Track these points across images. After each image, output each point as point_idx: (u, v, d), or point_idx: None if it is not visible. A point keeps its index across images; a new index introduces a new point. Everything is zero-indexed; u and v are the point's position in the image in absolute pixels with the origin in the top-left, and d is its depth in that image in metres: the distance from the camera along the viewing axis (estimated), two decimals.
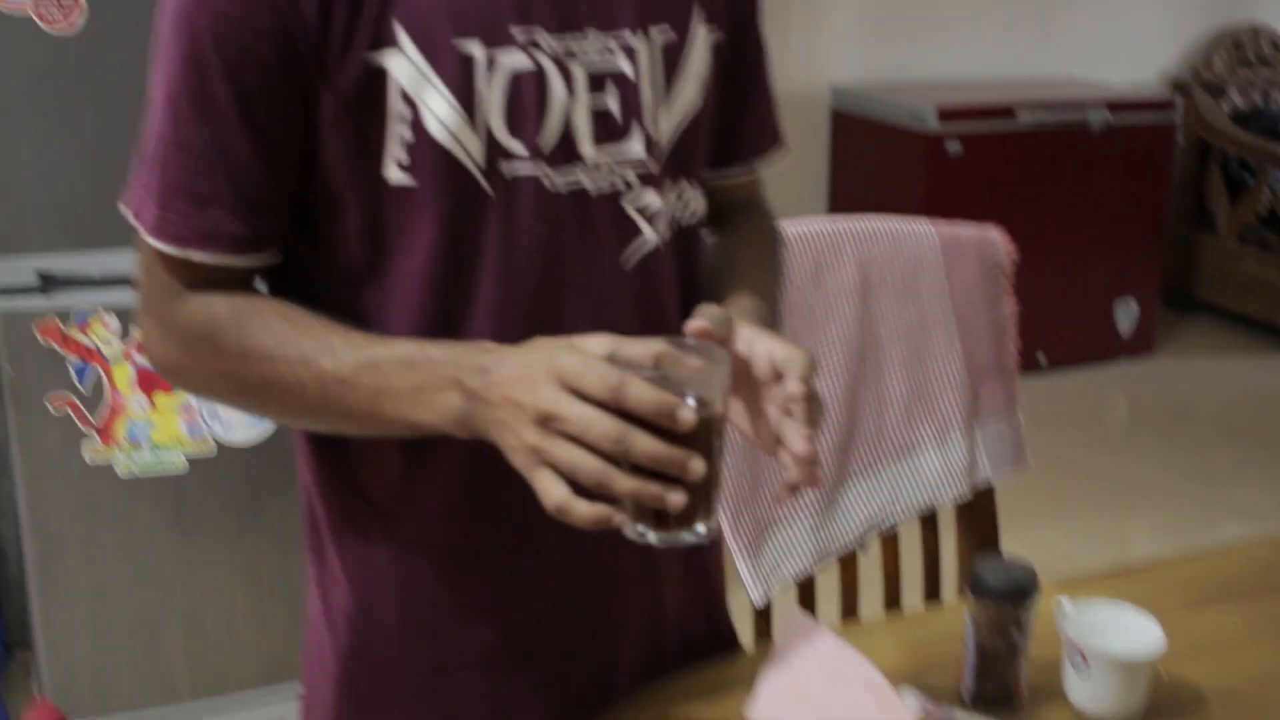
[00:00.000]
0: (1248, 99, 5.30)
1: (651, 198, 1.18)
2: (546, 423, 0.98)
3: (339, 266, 1.14)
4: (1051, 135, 4.52)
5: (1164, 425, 4.49)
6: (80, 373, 2.65)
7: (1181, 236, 5.21)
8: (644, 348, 1.01)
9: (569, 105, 1.12)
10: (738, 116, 1.34)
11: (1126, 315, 4.85)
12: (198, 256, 1.11)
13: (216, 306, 1.12)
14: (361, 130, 1.08)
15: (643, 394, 0.97)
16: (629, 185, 1.17)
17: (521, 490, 1.02)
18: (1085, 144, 4.58)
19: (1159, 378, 4.82)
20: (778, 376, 1.08)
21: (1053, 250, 4.58)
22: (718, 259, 1.33)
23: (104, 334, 2.66)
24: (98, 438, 2.64)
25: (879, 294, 2.01)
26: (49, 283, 2.65)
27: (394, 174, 1.09)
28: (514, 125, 1.10)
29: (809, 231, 1.95)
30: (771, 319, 1.24)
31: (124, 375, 2.67)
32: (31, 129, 2.57)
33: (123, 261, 2.64)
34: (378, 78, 1.07)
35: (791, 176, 4.66)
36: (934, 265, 2.04)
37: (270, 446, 2.73)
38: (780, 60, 4.62)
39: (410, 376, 1.07)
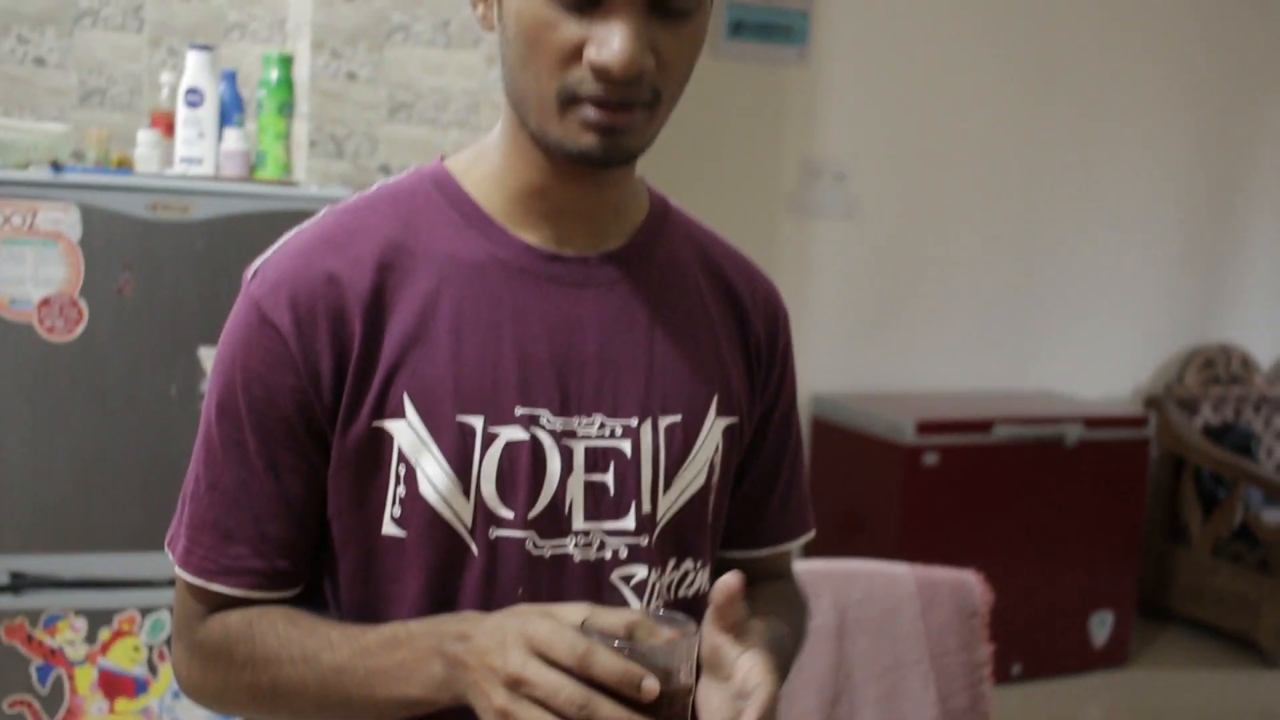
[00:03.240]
0: (1220, 415, 5.39)
1: (641, 571, 1.19)
2: (516, 686, 1.00)
3: (338, 604, 1.20)
4: (1028, 449, 4.57)
5: None
6: (42, 674, 2.61)
7: (1156, 549, 5.23)
8: (617, 617, 1.03)
9: (564, 479, 1.16)
10: (764, 501, 1.37)
11: (1101, 627, 4.82)
12: (220, 588, 1.17)
13: (231, 619, 1.18)
14: (362, 484, 1.15)
15: (608, 663, 0.98)
16: (617, 557, 1.18)
17: None
18: (1061, 458, 4.63)
19: (1134, 690, 4.77)
20: (741, 694, 1.07)
21: (1028, 562, 4.58)
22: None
23: (70, 636, 2.63)
24: None
25: (855, 635, 2.01)
26: (20, 582, 2.63)
27: (388, 525, 1.15)
28: (505, 494, 1.14)
29: None
30: (781, 654, 1.21)
31: (86, 679, 2.63)
32: (23, 430, 2.60)
33: (96, 564, 2.64)
34: (382, 438, 1.14)
35: None
36: (910, 608, 2.04)
37: None
38: None
39: (396, 653, 1.10)
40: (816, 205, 4.69)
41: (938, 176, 4.87)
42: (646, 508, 1.19)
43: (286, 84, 2.90)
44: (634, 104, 1.10)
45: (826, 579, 2.00)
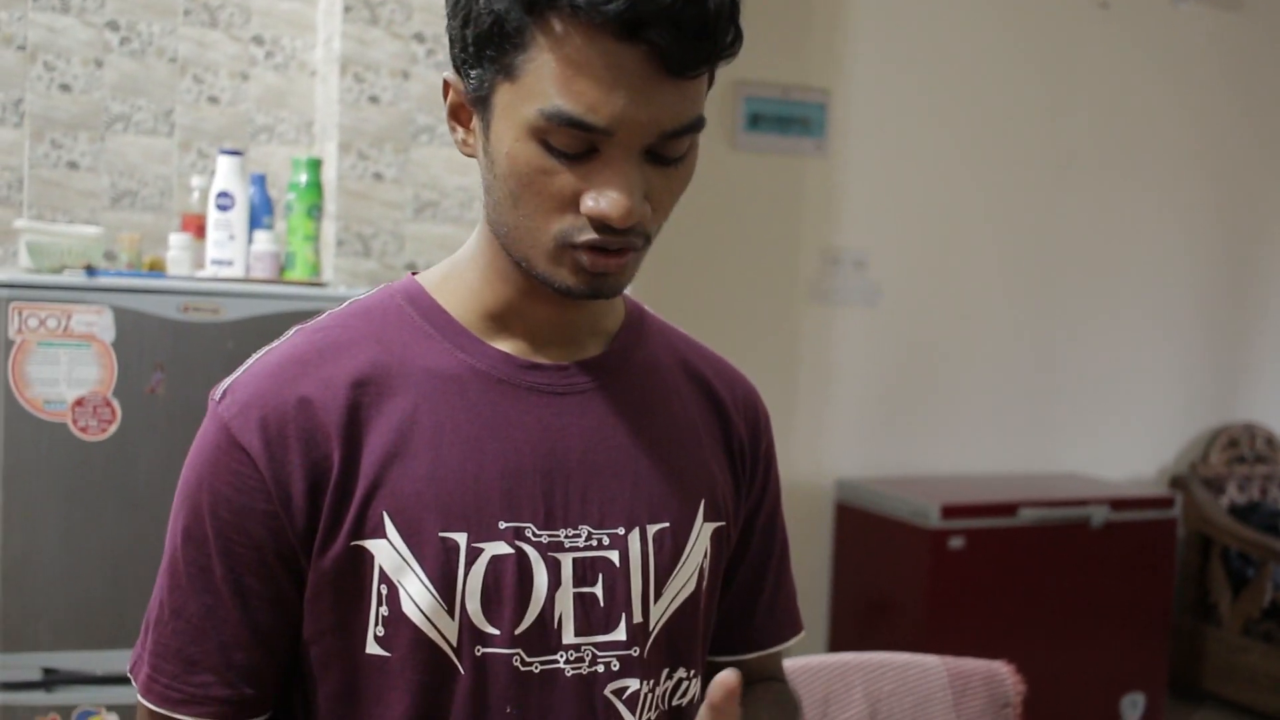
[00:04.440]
0: (1245, 494, 5.38)
1: (634, 683, 1.17)
2: None
3: None
4: (1053, 531, 4.56)
5: None
6: None
7: (1186, 629, 5.20)
8: None
9: (552, 593, 1.13)
10: (752, 605, 1.35)
11: (1133, 709, 4.78)
12: (184, 718, 1.14)
13: None
14: (342, 606, 1.12)
15: None
16: (610, 670, 1.16)
17: None
18: (1087, 540, 4.62)
19: None
20: None
21: (1057, 645, 4.56)
22: None
23: None
24: None
25: None
26: (53, 678, 2.65)
27: (371, 646, 1.12)
28: (491, 611, 1.12)
29: (819, 665, 1.97)
30: None
31: None
32: (56, 527, 2.63)
33: (128, 660, 2.65)
34: (362, 558, 1.11)
35: (795, 569, 4.68)
36: (942, 700, 2.04)
37: None
38: (785, 453, 4.68)
39: None
40: (837, 292, 4.72)
41: (957, 261, 4.90)
42: (638, 618, 1.17)
43: (316, 187, 2.96)
44: (627, 249, 1.09)
45: (858, 670, 2.01)
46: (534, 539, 1.13)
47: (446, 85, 1.15)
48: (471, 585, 1.11)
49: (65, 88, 3.25)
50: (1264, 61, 5.38)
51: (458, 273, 1.20)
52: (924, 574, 4.38)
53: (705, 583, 1.23)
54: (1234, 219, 5.43)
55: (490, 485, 1.12)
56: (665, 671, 1.20)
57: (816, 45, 4.56)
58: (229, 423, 1.11)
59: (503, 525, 1.12)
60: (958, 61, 4.79)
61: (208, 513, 1.11)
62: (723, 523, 1.25)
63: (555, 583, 1.13)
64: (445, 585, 1.10)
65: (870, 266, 4.76)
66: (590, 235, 1.06)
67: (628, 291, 1.28)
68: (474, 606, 1.11)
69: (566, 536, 1.14)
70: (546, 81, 1.03)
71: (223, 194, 2.85)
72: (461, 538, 1.11)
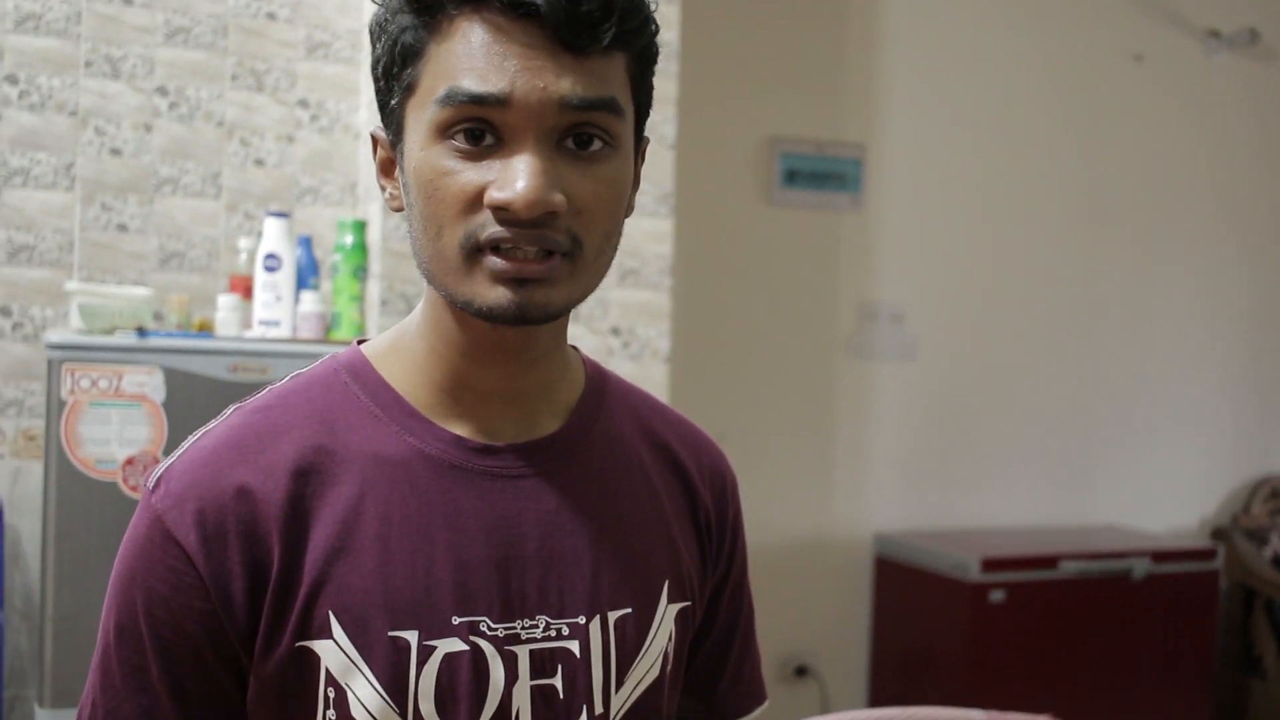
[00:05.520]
0: None
1: None
2: None
3: None
4: (1095, 584, 4.55)
5: None
6: None
7: (1231, 682, 5.17)
8: None
9: (509, 688, 1.07)
10: (717, 677, 1.30)
11: None
12: None
13: None
14: (288, 709, 1.05)
15: None
16: None
17: None
18: (1128, 592, 4.61)
19: None
20: None
21: (1100, 699, 4.54)
22: None
23: None
24: None
25: None
26: None
27: None
28: (446, 711, 1.05)
29: (865, 719, 1.98)
30: None
31: None
32: (105, 586, 2.66)
33: None
34: (306, 659, 1.04)
35: (834, 624, 4.69)
36: None
37: None
38: (824, 507, 4.70)
39: None
40: (874, 347, 4.74)
41: (994, 314, 4.92)
42: (599, 709, 1.11)
43: (361, 248, 3.01)
44: (551, 250, 1.01)
45: None
46: (489, 633, 1.06)
47: (374, 142, 1.11)
48: (424, 686, 1.04)
49: (115, 152, 3.32)
50: None
51: (405, 343, 1.13)
52: (965, 627, 4.38)
53: (669, 667, 1.18)
54: (1269, 267, 5.43)
55: (442, 579, 1.05)
56: None
57: (851, 100, 4.61)
58: (163, 514, 1.05)
59: (456, 620, 1.05)
60: (992, 115, 4.82)
61: (142, 610, 1.05)
62: (688, 602, 1.20)
63: (513, 677, 1.07)
64: (396, 687, 1.04)
65: (907, 320, 4.78)
66: (499, 231, 0.99)
67: (587, 354, 1.24)
68: (428, 708, 1.04)
69: (524, 628, 1.08)
70: (440, 73, 1.01)
71: (270, 255, 2.90)
72: (413, 636, 1.04)
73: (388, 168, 1.10)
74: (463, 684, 1.05)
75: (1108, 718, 4.57)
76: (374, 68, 1.07)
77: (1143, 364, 5.19)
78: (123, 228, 3.33)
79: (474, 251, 1.01)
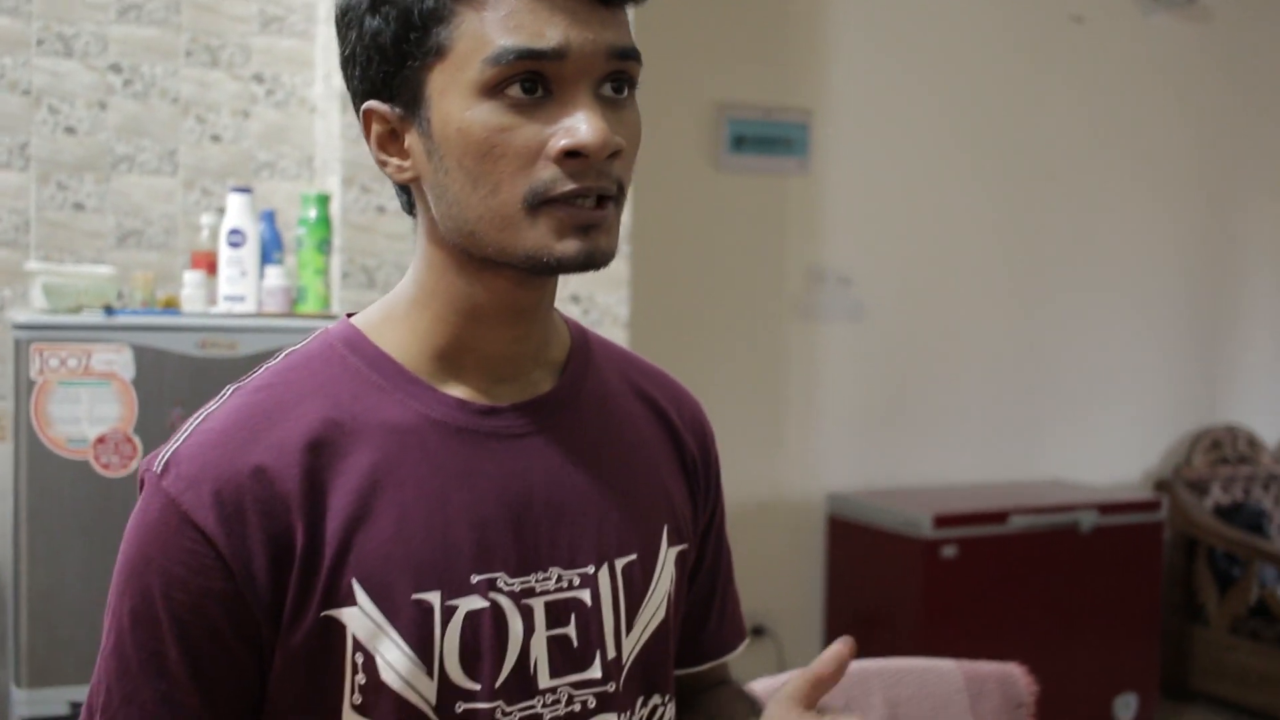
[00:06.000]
0: (1229, 494, 5.47)
1: (611, 718, 1.16)
2: None
3: None
4: (1043, 537, 4.64)
5: None
6: None
7: (1175, 630, 5.29)
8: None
9: (527, 640, 1.11)
10: (703, 621, 1.34)
11: (1126, 709, 4.86)
12: None
13: None
14: (316, 679, 1.07)
15: None
16: (586, 708, 1.14)
17: None
18: (1076, 545, 4.70)
19: None
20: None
21: (1050, 648, 4.63)
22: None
23: None
24: None
25: None
26: (79, 712, 2.69)
27: (348, 714, 1.07)
28: (470, 667, 1.08)
29: None
30: None
31: None
32: (79, 564, 2.68)
33: None
34: (333, 629, 1.06)
35: (790, 583, 4.76)
36: (959, 703, 2.11)
37: None
38: (776, 468, 4.74)
39: None
40: (823, 309, 4.80)
41: (939, 275, 4.99)
42: (611, 653, 1.15)
43: (325, 222, 3.02)
44: (606, 198, 1.05)
45: (876, 677, 2.08)
46: (506, 588, 1.10)
47: (369, 118, 1.10)
48: (449, 644, 1.07)
49: (70, 130, 3.31)
50: (1233, 70, 5.49)
51: (399, 313, 1.14)
52: (918, 583, 4.46)
53: (672, 609, 1.23)
54: (1211, 225, 5.54)
55: (459, 539, 1.09)
56: (640, 700, 1.20)
57: (797, 66, 4.65)
58: (178, 498, 1.04)
59: (475, 579, 1.08)
60: (936, 78, 4.88)
61: (159, 595, 1.05)
62: (685, 545, 1.25)
63: (529, 629, 1.11)
64: (422, 648, 1.06)
65: (854, 282, 4.84)
66: (567, 185, 1.03)
67: (569, 314, 1.27)
68: (453, 665, 1.08)
69: (538, 581, 1.11)
70: (485, 34, 1.02)
71: (234, 231, 2.91)
72: (435, 597, 1.07)
73: (386, 142, 1.10)
74: (485, 640, 1.08)
75: (1058, 667, 4.67)
76: (369, 41, 1.07)
77: (1084, 321, 5.28)
78: (79, 206, 3.32)
79: (539, 204, 1.03)
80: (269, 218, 3.07)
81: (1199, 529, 5.21)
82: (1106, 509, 4.76)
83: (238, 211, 2.93)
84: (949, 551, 4.44)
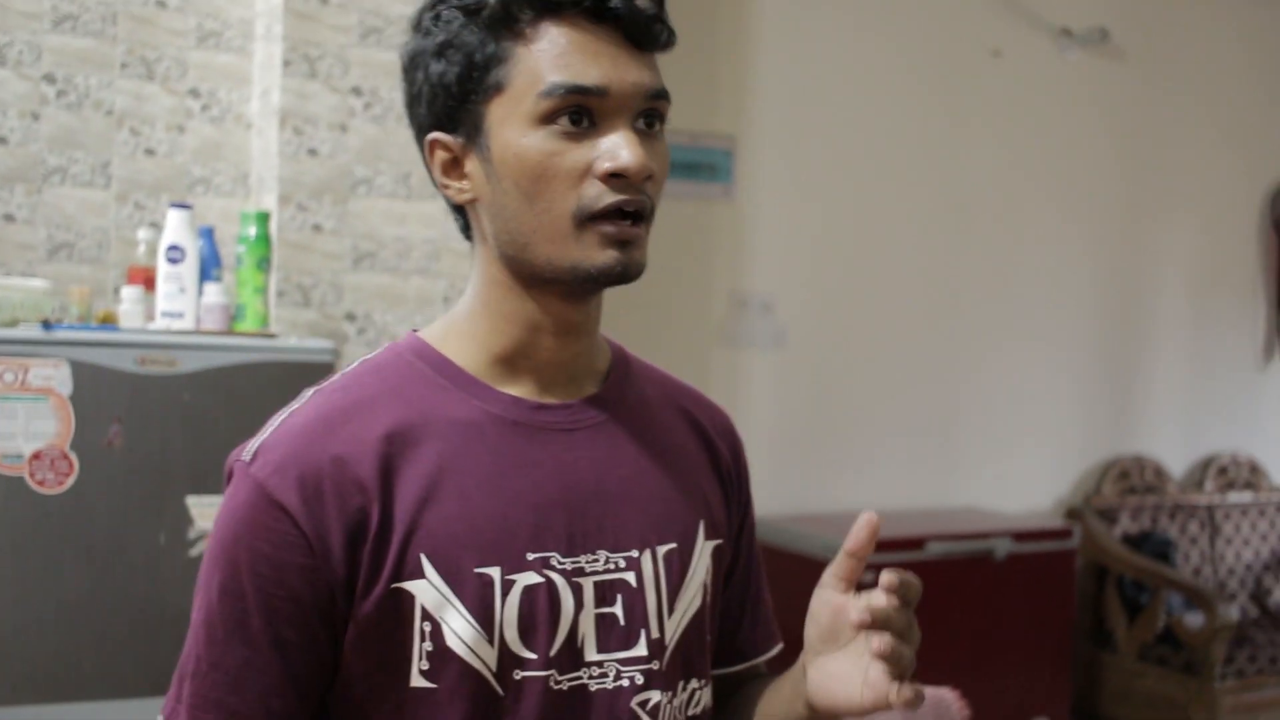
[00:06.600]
0: (1137, 523, 5.59)
1: (656, 695, 1.26)
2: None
3: None
4: (959, 564, 4.71)
5: None
6: None
7: (1085, 656, 5.38)
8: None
9: (577, 615, 1.22)
10: (739, 618, 1.46)
11: None
12: None
13: None
14: (386, 646, 1.19)
15: None
16: (634, 684, 1.25)
17: None
18: (991, 571, 4.77)
19: None
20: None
21: (964, 673, 4.67)
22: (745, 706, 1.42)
23: None
24: None
25: None
26: None
27: (415, 679, 1.19)
28: (527, 637, 1.20)
29: None
30: None
31: None
32: (13, 581, 2.64)
33: (87, 713, 2.67)
34: (403, 600, 1.18)
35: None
36: None
37: None
38: None
39: None
40: (745, 335, 4.84)
41: (860, 304, 5.05)
42: (655, 634, 1.26)
43: (264, 240, 3.01)
44: (641, 216, 1.19)
45: None
46: (559, 566, 1.21)
47: (433, 148, 1.25)
48: (508, 615, 1.19)
49: (1, 140, 3.27)
50: (1146, 107, 5.63)
51: (459, 326, 1.28)
52: None
53: (709, 598, 1.34)
54: (1121, 259, 5.66)
55: (517, 520, 1.21)
56: (681, 683, 1.30)
57: (723, 93, 4.70)
58: (264, 481, 1.17)
59: (530, 556, 1.20)
60: (859, 108, 4.96)
61: (246, 569, 1.17)
62: (720, 540, 1.36)
63: (579, 605, 1.22)
64: (484, 617, 1.18)
65: (777, 309, 4.88)
66: (610, 199, 1.18)
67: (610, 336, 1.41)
68: (511, 634, 1.19)
69: (587, 562, 1.23)
70: (538, 72, 1.17)
71: (173, 247, 2.89)
72: (495, 571, 1.19)
73: (449, 169, 1.25)
74: (540, 613, 1.20)
75: (972, 692, 4.72)
76: (435, 81, 1.22)
77: (1000, 351, 5.38)
78: (9, 218, 3.29)
79: (587, 219, 1.18)
80: (208, 234, 3.05)
81: (1109, 557, 5.31)
82: (1020, 536, 4.84)
83: (177, 227, 2.91)
84: (866, 578, 4.47)
